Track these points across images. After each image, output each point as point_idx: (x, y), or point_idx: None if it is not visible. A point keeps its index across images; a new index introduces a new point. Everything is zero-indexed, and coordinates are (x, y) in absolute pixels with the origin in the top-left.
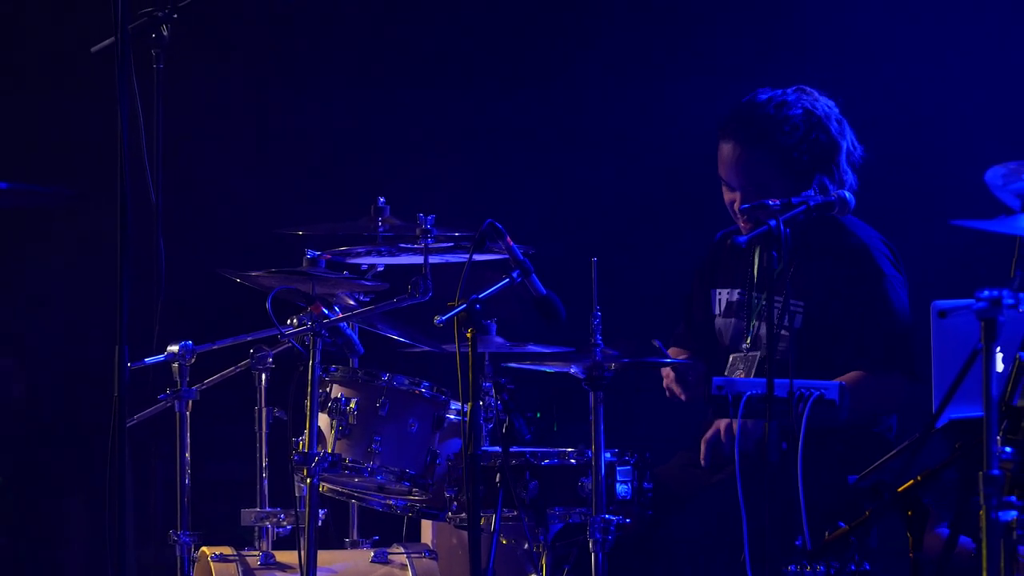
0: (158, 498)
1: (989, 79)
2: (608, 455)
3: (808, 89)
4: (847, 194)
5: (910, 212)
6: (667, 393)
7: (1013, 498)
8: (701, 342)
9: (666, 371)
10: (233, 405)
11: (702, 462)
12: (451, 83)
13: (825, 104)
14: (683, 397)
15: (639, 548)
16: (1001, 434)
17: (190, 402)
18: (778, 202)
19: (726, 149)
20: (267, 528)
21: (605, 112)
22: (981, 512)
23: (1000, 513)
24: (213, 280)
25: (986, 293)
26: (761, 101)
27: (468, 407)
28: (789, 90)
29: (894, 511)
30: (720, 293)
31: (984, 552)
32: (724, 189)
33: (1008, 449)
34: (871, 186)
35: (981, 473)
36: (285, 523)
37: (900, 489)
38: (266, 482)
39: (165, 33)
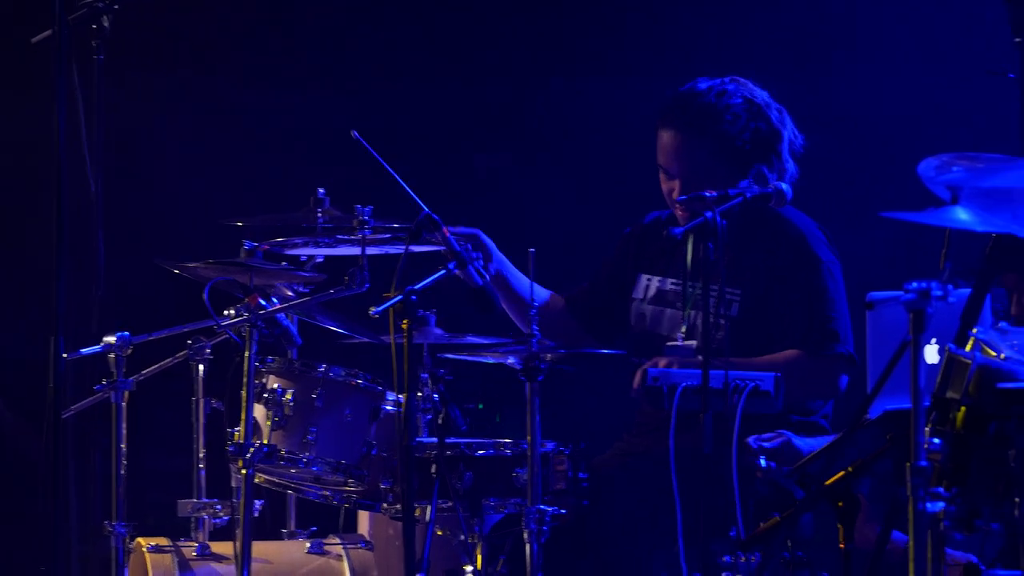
0: (97, 490)
1: (922, 72)
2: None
3: (742, 80)
4: (784, 186)
5: (846, 204)
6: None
7: (940, 489)
8: (599, 315)
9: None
10: (170, 396)
11: (633, 387)
12: (389, 76)
13: (762, 94)
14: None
15: (574, 539)
16: (930, 425)
17: (126, 393)
18: (715, 193)
19: (666, 137)
20: (203, 519)
21: (542, 103)
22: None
23: (928, 504)
24: (151, 271)
25: (915, 285)
26: (701, 90)
27: (404, 398)
28: (726, 80)
29: (825, 502)
30: (651, 280)
31: (911, 544)
32: (662, 177)
33: (936, 440)
34: (807, 178)
35: (909, 464)
36: (222, 514)
37: (829, 481)
38: (203, 473)
39: (106, 24)
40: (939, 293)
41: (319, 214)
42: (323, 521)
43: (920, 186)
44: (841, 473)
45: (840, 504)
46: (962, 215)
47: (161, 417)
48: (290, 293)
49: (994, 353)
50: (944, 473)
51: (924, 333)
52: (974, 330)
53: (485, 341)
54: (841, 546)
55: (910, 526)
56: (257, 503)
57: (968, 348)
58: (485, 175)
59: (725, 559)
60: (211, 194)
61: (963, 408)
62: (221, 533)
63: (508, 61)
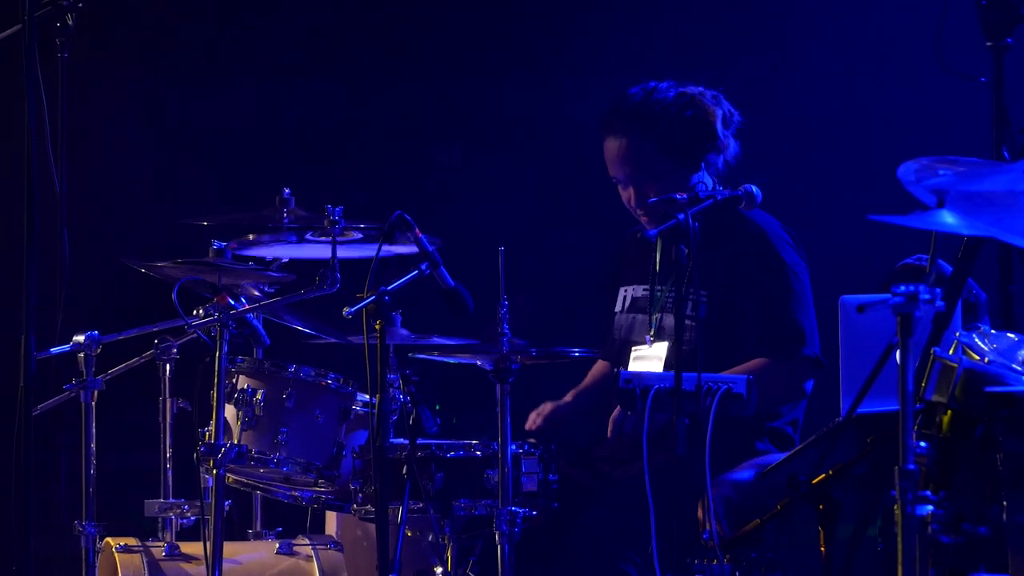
0: (61, 489)
1: (893, 75)
2: (514, 447)
3: (684, 83)
4: (754, 188)
5: (815, 206)
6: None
7: (928, 492)
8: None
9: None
10: (136, 396)
11: (608, 436)
12: (358, 74)
13: (696, 87)
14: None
15: (545, 541)
16: (916, 428)
17: (95, 392)
18: (685, 196)
19: (610, 146)
20: (171, 519)
21: (512, 103)
22: (895, 507)
23: (916, 508)
24: (114, 270)
25: (903, 288)
26: (631, 92)
27: (376, 399)
28: (661, 83)
29: (805, 505)
30: (627, 290)
31: (899, 547)
32: (620, 189)
33: (923, 444)
34: (777, 180)
35: (897, 467)
36: (189, 514)
37: (814, 482)
38: (170, 473)
39: (70, 22)
40: (927, 296)
41: (284, 214)
42: (288, 522)
43: (892, 188)
44: (822, 476)
45: (821, 507)
46: (948, 219)
47: (126, 417)
48: (256, 293)
49: (977, 357)
50: (931, 476)
51: (911, 337)
52: (957, 334)
53: (451, 342)
54: (822, 549)
55: (899, 529)
56: (224, 503)
57: (951, 351)
58: (444, 171)
59: (696, 563)
60: (174, 193)
61: (949, 412)
62: (187, 533)
63: (471, 55)
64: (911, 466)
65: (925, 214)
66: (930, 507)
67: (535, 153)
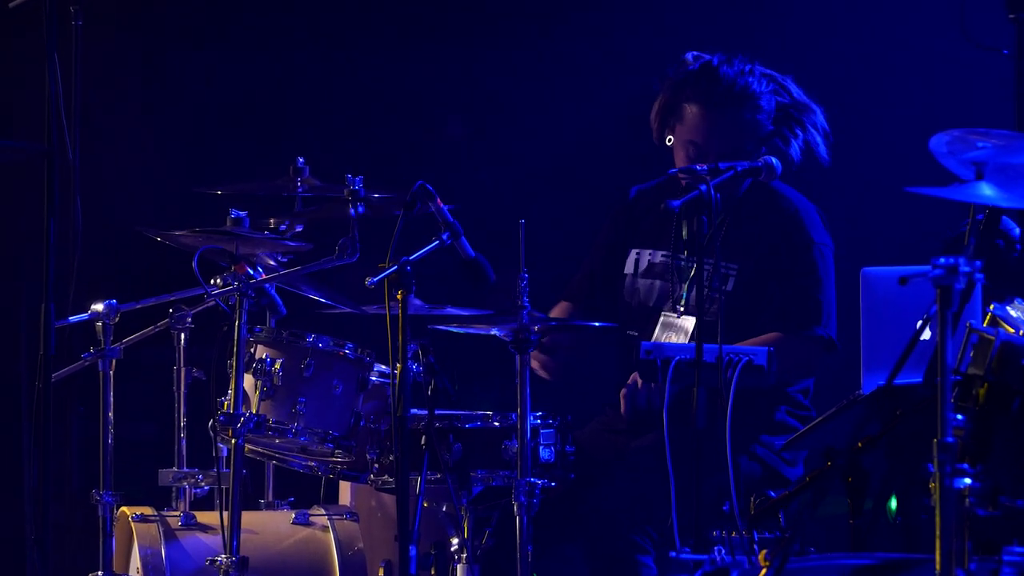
0: (72, 457)
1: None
2: (532, 418)
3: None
4: (774, 160)
5: (837, 179)
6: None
7: (966, 465)
8: (598, 298)
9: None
10: (149, 365)
11: (622, 412)
12: (377, 44)
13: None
14: (544, 372)
15: (561, 512)
16: (953, 401)
17: (114, 361)
18: (705, 167)
19: (709, 115)
20: (184, 488)
21: (530, 73)
22: (930, 481)
23: (954, 480)
24: (124, 239)
25: (942, 260)
26: (725, 67)
27: (398, 369)
28: (732, 57)
29: (835, 478)
30: (641, 253)
31: (937, 520)
32: (686, 153)
33: (960, 417)
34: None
35: (936, 440)
36: (203, 483)
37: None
38: (184, 442)
39: None
40: (967, 269)
41: (299, 183)
42: (300, 491)
43: (913, 160)
44: (854, 447)
45: (850, 479)
46: (987, 191)
47: (139, 386)
48: (271, 262)
49: (1012, 329)
50: (967, 450)
51: (951, 309)
52: (991, 306)
53: (464, 312)
54: (850, 522)
55: (936, 502)
56: (242, 473)
57: (985, 323)
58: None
59: (715, 534)
60: (177, 163)
61: (986, 384)
62: (201, 503)
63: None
64: (950, 439)
65: (963, 186)
66: (967, 480)
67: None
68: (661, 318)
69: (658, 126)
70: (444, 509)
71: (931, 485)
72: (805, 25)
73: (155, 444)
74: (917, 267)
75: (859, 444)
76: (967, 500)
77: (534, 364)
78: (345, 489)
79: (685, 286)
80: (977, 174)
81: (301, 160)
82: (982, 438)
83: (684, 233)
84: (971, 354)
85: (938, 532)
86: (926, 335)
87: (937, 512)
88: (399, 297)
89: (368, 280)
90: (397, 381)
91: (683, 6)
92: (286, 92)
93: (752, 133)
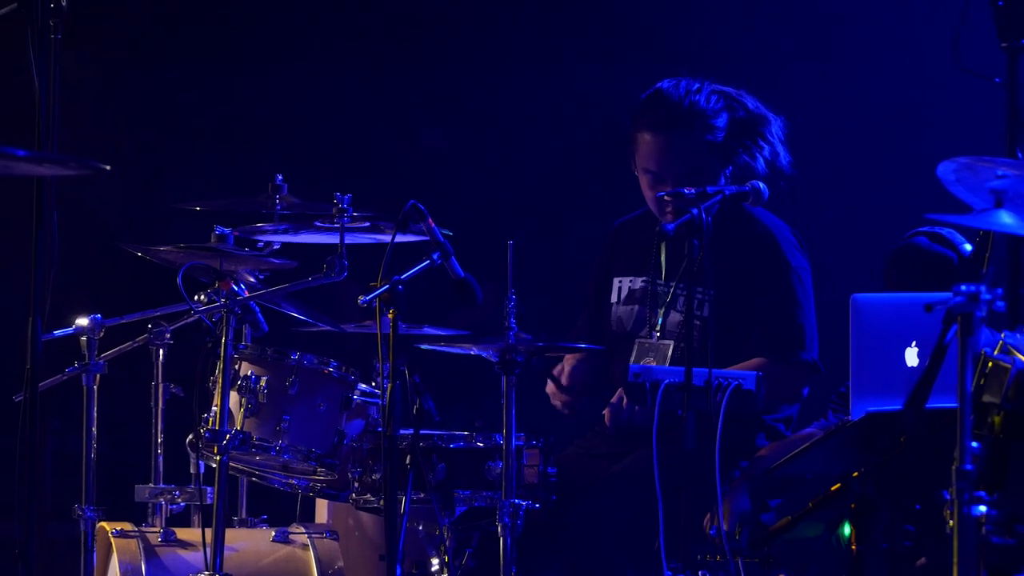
0: (46, 472)
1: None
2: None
3: (698, 78)
4: (761, 185)
5: (824, 204)
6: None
7: (983, 493)
8: (598, 335)
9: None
10: (125, 380)
11: (607, 425)
12: (363, 62)
13: (725, 87)
14: (559, 404)
15: (543, 534)
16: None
17: (98, 376)
18: (693, 191)
19: (654, 140)
20: (160, 504)
21: (519, 94)
22: (947, 509)
23: (972, 508)
24: (101, 255)
25: (964, 288)
26: (668, 88)
27: (388, 387)
28: (685, 79)
29: (838, 504)
30: (621, 281)
31: (955, 547)
32: (646, 181)
33: (975, 444)
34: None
35: (954, 467)
36: (179, 500)
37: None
38: (160, 458)
39: (64, 3)
40: (988, 297)
41: (277, 201)
42: (275, 509)
43: (904, 186)
44: (855, 474)
45: (853, 506)
46: (1006, 219)
47: (117, 401)
48: (252, 279)
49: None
50: (983, 477)
51: (971, 336)
52: (1003, 334)
53: (442, 332)
54: (853, 548)
55: (954, 530)
56: (209, 490)
57: (996, 351)
58: (434, 156)
59: (698, 558)
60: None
61: (1003, 412)
62: (177, 519)
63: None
64: (968, 466)
65: (984, 214)
66: (983, 507)
67: (540, 144)
68: (636, 343)
69: (630, 159)
70: (421, 528)
71: (946, 512)
72: (798, 52)
73: (129, 460)
74: (932, 294)
75: (862, 470)
76: (983, 528)
77: (555, 402)
78: (322, 507)
79: (662, 311)
80: (997, 202)
81: (280, 177)
82: (998, 466)
83: (663, 259)
84: (981, 382)
85: (956, 560)
86: (912, 362)
87: (955, 539)
88: (391, 316)
89: (361, 299)
90: (387, 400)
91: (675, 26)
92: (273, 109)
93: (710, 152)
